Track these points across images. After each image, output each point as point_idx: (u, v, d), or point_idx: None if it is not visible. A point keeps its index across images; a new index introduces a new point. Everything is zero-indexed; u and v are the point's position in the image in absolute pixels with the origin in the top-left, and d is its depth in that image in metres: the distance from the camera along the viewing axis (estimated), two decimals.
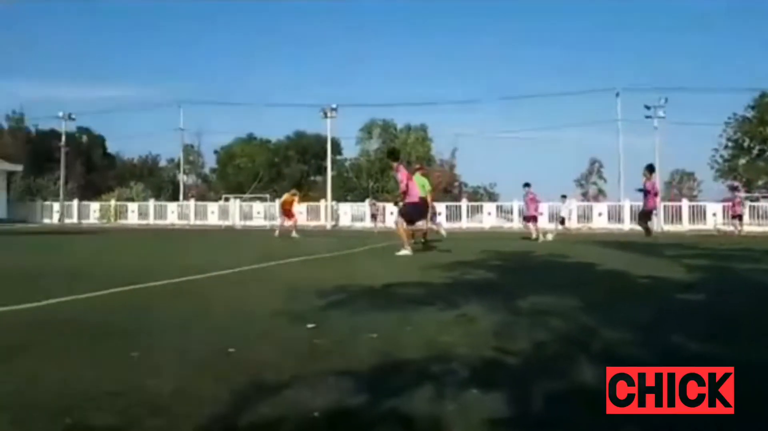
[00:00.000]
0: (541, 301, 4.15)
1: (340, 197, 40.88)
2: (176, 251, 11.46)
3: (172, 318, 3.44)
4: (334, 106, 35.44)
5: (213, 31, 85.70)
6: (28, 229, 26.03)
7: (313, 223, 33.68)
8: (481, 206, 34.21)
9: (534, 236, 16.21)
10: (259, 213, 36.19)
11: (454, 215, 32.62)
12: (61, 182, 40.75)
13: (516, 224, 30.42)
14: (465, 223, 31.58)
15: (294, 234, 17.35)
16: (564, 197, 24.78)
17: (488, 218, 32.11)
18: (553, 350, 2.70)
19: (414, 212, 10.03)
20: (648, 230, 13.80)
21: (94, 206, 39.80)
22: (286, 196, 19.75)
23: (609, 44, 76.21)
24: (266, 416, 1.78)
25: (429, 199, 13.17)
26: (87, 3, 77.25)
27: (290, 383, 2.11)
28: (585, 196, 50.57)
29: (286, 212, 18.88)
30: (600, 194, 52.31)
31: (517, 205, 31.91)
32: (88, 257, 9.26)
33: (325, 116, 35.53)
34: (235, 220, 34.74)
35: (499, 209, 33.83)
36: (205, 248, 11.95)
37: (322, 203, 35.55)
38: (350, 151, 54.41)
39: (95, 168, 51.75)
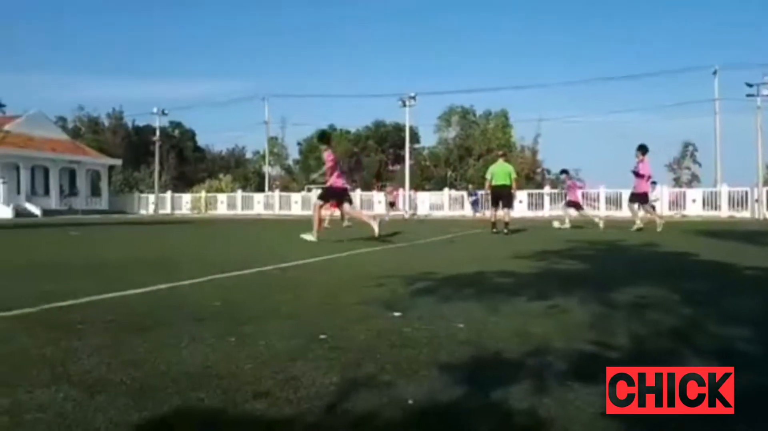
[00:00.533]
0: (636, 292, 3.96)
1: (418, 185, 40.84)
2: (263, 240, 11.88)
3: (263, 305, 3.56)
4: (412, 94, 35.41)
5: (295, 23, 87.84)
6: (126, 219, 27.88)
7: (391, 212, 33.88)
8: (565, 194, 33.00)
9: (564, 223, 15.77)
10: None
11: (536, 202, 31.81)
12: (156, 174, 43.32)
13: (603, 212, 29.23)
14: (548, 210, 30.70)
15: (326, 224, 16.75)
16: (653, 183, 23.59)
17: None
18: (655, 345, 2.57)
19: (331, 195, 9.76)
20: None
21: (186, 198, 42.04)
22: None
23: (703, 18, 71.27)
24: (362, 401, 1.81)
25: (514, 186, 12.87)
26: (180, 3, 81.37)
27: (382, 370, 2.13)
28: (677, 182, 47.74)
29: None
30: (694, 180, 49.22)
31: (603, 192, 30.68)
32: (184, 247, 9.79)
33: (404, 105, 35.59)
34: None
35: (584, 196, 32.57)
36: (289, 237, 12.29)
37: (400, 191, 35.69)
38: (428, 139, 54.20)
39: (187, 161, 54.49)
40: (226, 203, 40.08)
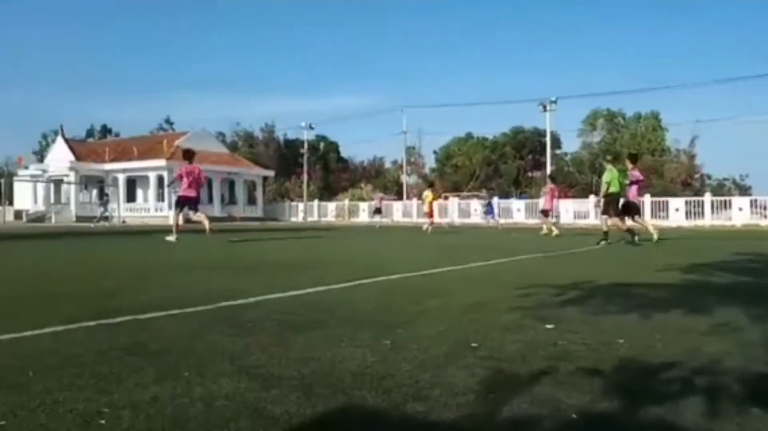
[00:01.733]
0: None
1: (559, 193, 39.24)
2: (405, 246, 12.13)
3: (412, 310, 3.65)
4: (553, 98, 34.24)
5: (430, 33, 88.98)
6: (278, 226, 29.90)
7: (531, 220, 32.91)
8: (730, 201, 29.85)
9: (545, 230, 16.26)
10: (476, 211, 36.52)
11: (695, 211, 29.12)
12: (304, 184, 46.10)
13: None
14: (709, 220, 27.98)
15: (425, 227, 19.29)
16: None
17: (739, 215, 27.93)
18: None
19: (182, 203, 12.31)
20: (629, 229, 11.49)
21: (331, 206, 44.21)
22: (430, 195, 21.39)
23: None
24: (522, 411, 1.80)
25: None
26: (330, 28, 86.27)
27: (540, 382, 2.10)
28: None
29: (431, 209, 20.84)
30: None
31: None
32: (333, 252, 10.29)
33: (544, 110, 34.50)
34: (453, 218, 35.59)
35: (753, 203, 29.20)
36: (428, 244, 12.43)
37: (541, 199, 34.54)
38: (571, 144, 52.08)
39: (331, 171, 57.36)
40: (367, 211, 41.50)
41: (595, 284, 4.84)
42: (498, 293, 4.49)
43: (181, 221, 12.69)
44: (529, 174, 54.26)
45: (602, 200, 12.52)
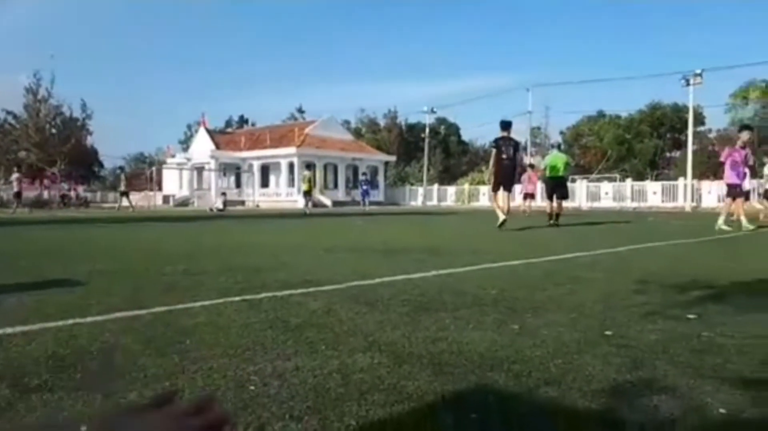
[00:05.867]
0: None
1: (701, 174, 36.05)
2: (525, 231, 11.81)
3: (538, 296, 3.57)
4: (698, 71, 31.31)
5: (558, 11, 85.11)
6: (399, 210, 30.39)
7: (669, 204, 30.64)
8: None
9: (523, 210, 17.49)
10: (608, 194, 34.64)
11: None
12: (425, 169, 46.34)
13: None
14: None
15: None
16: None
17: None
18: None
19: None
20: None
21: (451, 190, 44.07)
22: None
23: None
24: (664, 404, 1.72)
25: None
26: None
27: (683, 374, 1.99)
28: None
29: None
30: None
31: None
32: (452, 236, 10.30)
33: (687, 84, 31.68)
34: (581, 202, 34.02)
35: None
36: (560, 231, 12.03)
37: (680, 181, 31.95)
38: (715, 121, 47.48)
39: (451, 155, 57.11)
40: (487, 195, 40.89)
41: (740, 276, 4.44)
42: (632, 281, 4.25)
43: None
44: (668, 154, 50.40)
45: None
